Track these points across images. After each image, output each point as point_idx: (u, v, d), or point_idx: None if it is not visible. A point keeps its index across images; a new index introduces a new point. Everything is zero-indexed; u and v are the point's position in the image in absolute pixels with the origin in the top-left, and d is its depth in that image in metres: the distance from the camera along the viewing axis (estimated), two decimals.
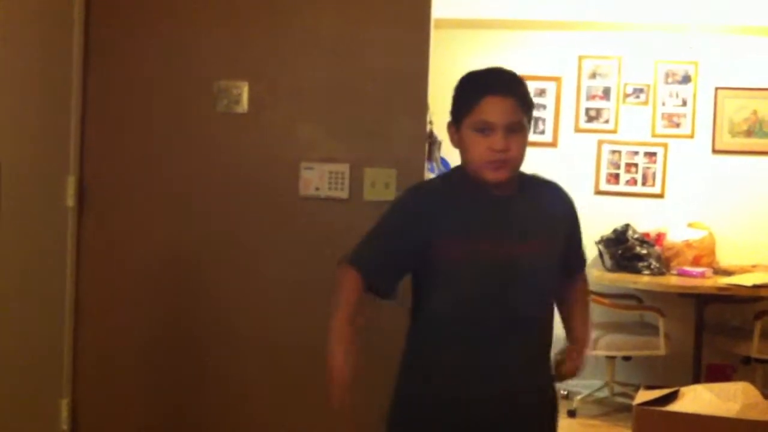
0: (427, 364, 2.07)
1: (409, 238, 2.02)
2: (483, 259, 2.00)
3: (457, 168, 2.11)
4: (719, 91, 5.75)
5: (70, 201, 3.23)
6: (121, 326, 3.32)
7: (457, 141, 2.05)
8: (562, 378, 2.18)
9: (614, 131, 5.85)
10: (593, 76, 5.87)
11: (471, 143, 2.00)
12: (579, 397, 5.27)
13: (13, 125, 2.84)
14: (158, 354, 3.31)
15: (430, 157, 3.76)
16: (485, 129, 1.97)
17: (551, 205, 2.15)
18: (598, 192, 5.85)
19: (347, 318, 1.96)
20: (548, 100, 5.87)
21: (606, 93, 5.86)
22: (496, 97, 1.97)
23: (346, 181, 3.19)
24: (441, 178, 2.15)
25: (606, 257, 5.53)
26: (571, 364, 2.17)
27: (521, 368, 2.05)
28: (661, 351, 5.11)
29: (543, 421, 2.15)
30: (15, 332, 2.90)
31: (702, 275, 5.26)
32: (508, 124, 1.97)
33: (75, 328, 3.29)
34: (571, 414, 5.16)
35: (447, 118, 2.10)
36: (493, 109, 1.97)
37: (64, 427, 3.26)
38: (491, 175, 1.99)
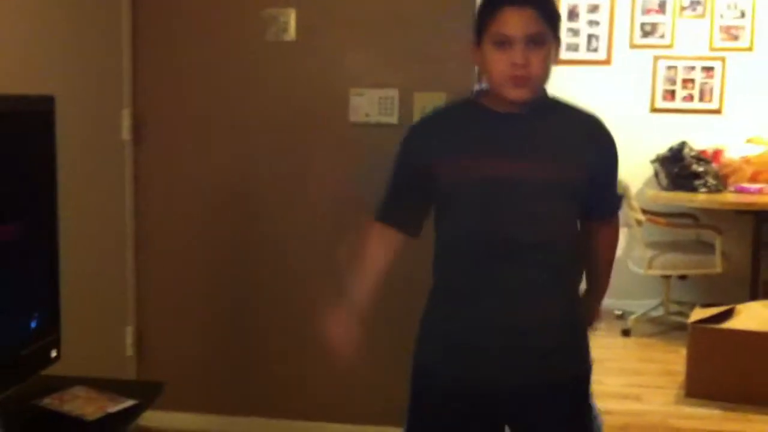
0: (439, 288, 2.02)
1: (415, 174, 1.97)
2: (481, 176, 1.90)
3: (475, 92, 2.03)
4: None
5: (126, 134, 3.28)
6: (180, 255, 3.40)
7: (480, 60, 1.94)
8: None
9: (670, 46, 5.71)
10: None
11: (491, 60, 1.87)
12: (633, 317, 5.27)
13: (66, 61, 2.88)
14: (216, 280, 3.40)
15: (481, 80, 3.71)
16: (504, 43, 1.86)
17: (574, 132, 1.97)
18: (654, 110, 5.74)
19: (370, 287, 2.00)
20: (602, 15, 5.73)
21: (662, 6, 5.70)
22: (513, 7, 1.86)
23: (396, 107, 3.19)
24: (449, 102, 2.05)
25: (662, 176, 5.46)
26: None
27: (526, 294, 1.92)
28: (718, 269, 5.07)
29: (559, 355, 1.97)
30: (80, 263, 2.97)
31: (760, 191, 5.17)
32: (527, 36, 1.84)
33: (136, 257, 3.38)
34: (626, 333, 5.17)
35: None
36: (512, 20, 1.85)
37: (130, 353, 3.38)
38: (513, 93, 1.88)
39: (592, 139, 1.98)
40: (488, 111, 1.94)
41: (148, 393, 2.11)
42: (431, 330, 2.02)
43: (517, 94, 1.88)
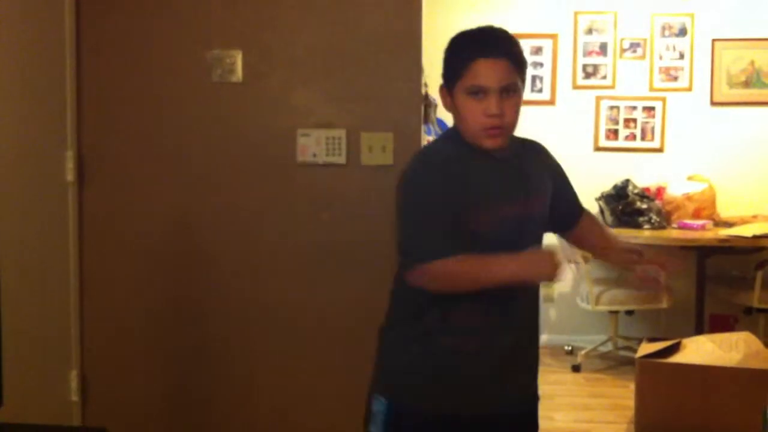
0: (441, 327, 2.01)
1: (448, 211, 1.93)
2: (502, 221, 1.96)
3: (453, 131, 2.05)
4: (716, 42, 5.73)
5: (70, 176, 3.24)
6: (126, 297, 3.35)
7: (450, 105, 1.99)
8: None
9: (612, 87, 5.84)
10: (589, 31, 5.84)
11: (465, 109, 1.94)
12: (583, 352, 5.32)
13: (8, 103, 2.85)
14: (163, 322, 3.34)
15: (427, 120, 3.76)
16: (479, 93, 1.91)
17: (540, 162, 2.15)
18: (598, 148, 5.85)
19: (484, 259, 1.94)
20: (545, 57, 5.85)
21: (603, 48, 5.84)
22: (488, 59, 1.91)
23: (343, 147, 3.20)
24: (443, 143, 2.07)
25: (607, 213, 5.55)
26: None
27: (526, 323, 2.10)
28: (664, 304, 5.15)
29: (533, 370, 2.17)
30: (22, 307, 2.92)
31: (702, 228, 5.28)
32: (502, 88, 1.91)
33: (81, 300, 3.32)
34: (576, 369, 5.21)
35: (441, 79, 2.05)
36: (486, 71, 1.90)
37: (74, 398, 3.30)
38: (488, 143, 1.95)
39: (548, 165, 2.17)
40: (491, 157, 1.98)
41: None
42: (435, 367, 2.02)
43: (491, 143, 1.95)
